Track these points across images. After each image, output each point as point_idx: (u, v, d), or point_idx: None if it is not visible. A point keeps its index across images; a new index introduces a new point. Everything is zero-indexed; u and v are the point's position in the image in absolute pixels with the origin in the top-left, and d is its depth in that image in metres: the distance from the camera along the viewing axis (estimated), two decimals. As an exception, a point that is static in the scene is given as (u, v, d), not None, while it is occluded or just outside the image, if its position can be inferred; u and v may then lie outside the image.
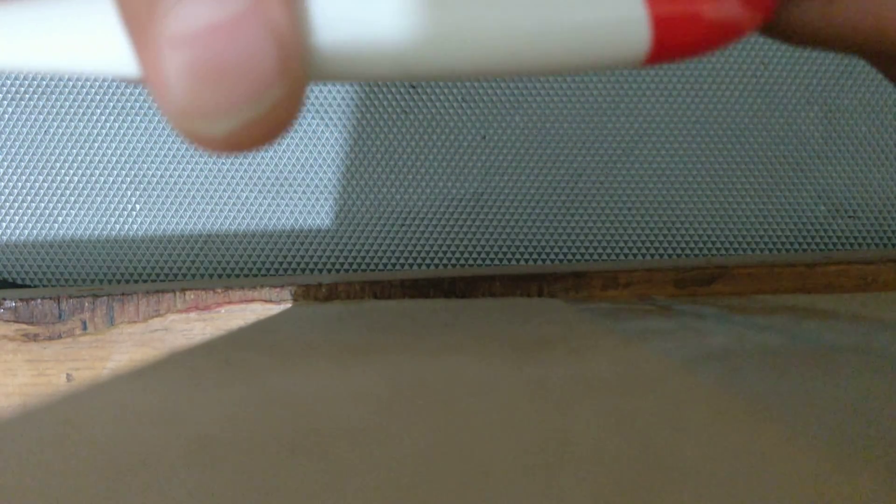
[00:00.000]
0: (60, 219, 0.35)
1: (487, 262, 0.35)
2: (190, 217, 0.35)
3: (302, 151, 0.35)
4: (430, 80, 0.35)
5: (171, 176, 0.35)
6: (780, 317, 0.22)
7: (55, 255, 0.35)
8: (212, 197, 0.35)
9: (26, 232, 0.35)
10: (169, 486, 0.07)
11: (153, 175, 0.35)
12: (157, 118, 0.35)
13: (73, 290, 0.29)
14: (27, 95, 0.34)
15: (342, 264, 0.35)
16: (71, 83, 0.34)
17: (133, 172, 0.35)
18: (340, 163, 0.35)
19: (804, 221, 0.35)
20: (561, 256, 0.35)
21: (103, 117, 0.34)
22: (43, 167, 0.34)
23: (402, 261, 0.35)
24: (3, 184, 0.34)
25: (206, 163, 0.35)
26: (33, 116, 0.34)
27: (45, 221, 0.35)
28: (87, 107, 0.34)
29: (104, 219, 0.35)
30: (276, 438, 0.09)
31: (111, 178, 0.35)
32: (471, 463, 0.08)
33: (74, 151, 0.34)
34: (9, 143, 0.34)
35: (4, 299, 0.27)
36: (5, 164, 0.34)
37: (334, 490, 0.07)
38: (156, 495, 0.07)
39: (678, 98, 0.35)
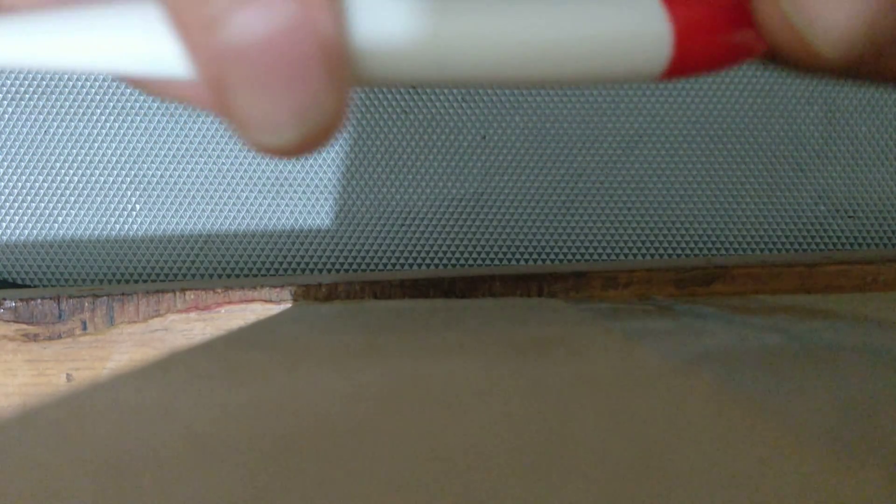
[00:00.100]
0: (60, 219, 0.35)
1: (487, 262, 0.35)
2: (190, 217, 0.35)
3: (302, 151, 0.35)
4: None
5: (171, 176, 0.35)
6: (780, 317, 0.22)
7: (55, 255, 0.35)
8: (212, 197, 0.35)
9: (26, 232, 0.35)
10: (169, 486, 0.07)
11: (153, 175, 0.35)
12: (157, 118, 0.34)
13: (73, 290, 0.29)
14: (27, 95, 0.34)
15: (342, 264, 0.35)
16: (71, 83, 0.34)
17: (133, 172, 0.35)
18: (340, 163, 0.35)
19: (804, 221, 0.35)
20: (561, 256, 0.35)
21: (103, 117, 0.34)
22: (43, 167, 0.34)
23: (402, 261, 0.35)
24: (3, 184, 0.34)
25: (206, 163, 0.35)
26: (33, 116, 0.34)
27: (45, 221, 0.35)
28: (87, 107, 0.34)
29: (104, 219, 0.35)
30: (276, 438, 0.09)
31: (111, 178, 0.35)
32: (470, 462, 0.08)
33: (74, 151, 0.34)
34: (9, 143, 0.34)
35: (4, 299, 0.27)
36: (5, 164, 0.34)
37: (334, 490, 0.07)
38: (156, 495, 0.07)
39: (678, 98, 0.35)
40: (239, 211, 0.35)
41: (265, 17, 0.12)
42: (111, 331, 0.27)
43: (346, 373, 0.13)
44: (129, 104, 0.34)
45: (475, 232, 0.35)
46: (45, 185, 0.34)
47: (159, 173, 0.35)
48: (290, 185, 0.35)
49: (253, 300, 0.28)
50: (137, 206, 0.35)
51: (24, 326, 0.27)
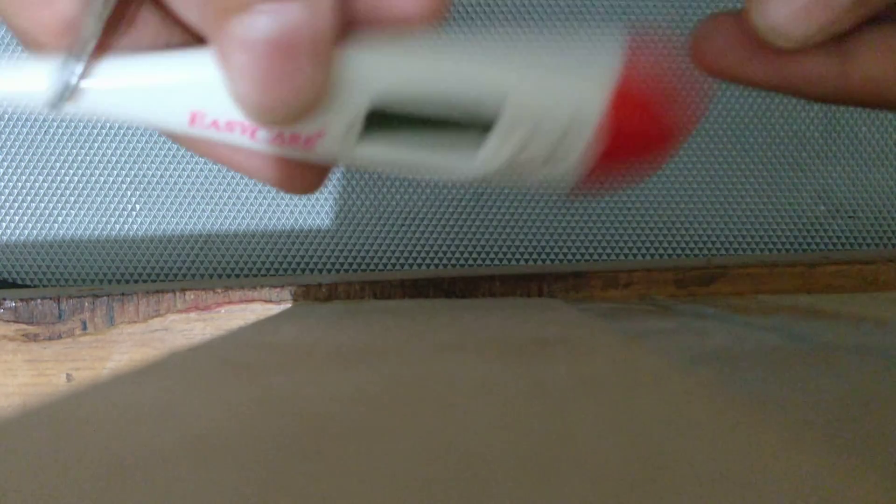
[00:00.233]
0: (60, 219, 0.35)
1: (487, 262, 0.35)
2: (190, 217, 0.35)
3: (302, 151, 0.35)
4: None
5: (171, 176, 0.35)
6: (780, 317, 0.22)
7: (55, 255, 0.35)
8: (212, 197, 0.35)
9: (26, 232, 0.35)
10: (169, 486, 0.07)
11: (153, 175, 0.35)
12: (157, 118, 0.35)
13: (73, 290, 0.29)
14: (27, 95, 0.34)
15: (342, 264, 0.35)
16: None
17: (133, 172, 0.35)
18: (340, 163, 0.35)
19: (804, 221, 0.35)
20: (561, 256, 0.35)
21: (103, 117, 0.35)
22: (43, 167, 0.34)
23: (402, 261, 0.35)
24: (3, 184, 0.35)
25: (206, 163, 0.35)
26: (33, 116, 0.34)
27: (45, 221, 0.35)
28: (87, 107, 0.35)
29: (104, 219, 0.35)
30: (276, 438, 0.09)
31: (111, 178, 0.35)
32: (470, 463, 0.08)
33: (74, 151, 0.34)
34: (9, 143, 0.34)
35: (4, 299, 0.27)
36: (5, 164, 0.34)
37: (334, 490, 0.07)
38: (156, 495, 0.07)
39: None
40: (239, 211, 0.35)
41: (278, 12, 0.15)
42: (111, 331, 0.27)
43: (346, 373, 0.13)
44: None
45: (475, 232, 0.35)
46: (45, 185, 0.35)
47: (159, 173, 0.35)
48: (290, 185, 0.35)
49: (253, 300, 0.28)
50: (137, 206, 0.35)
51: (24, 326, 0.27)
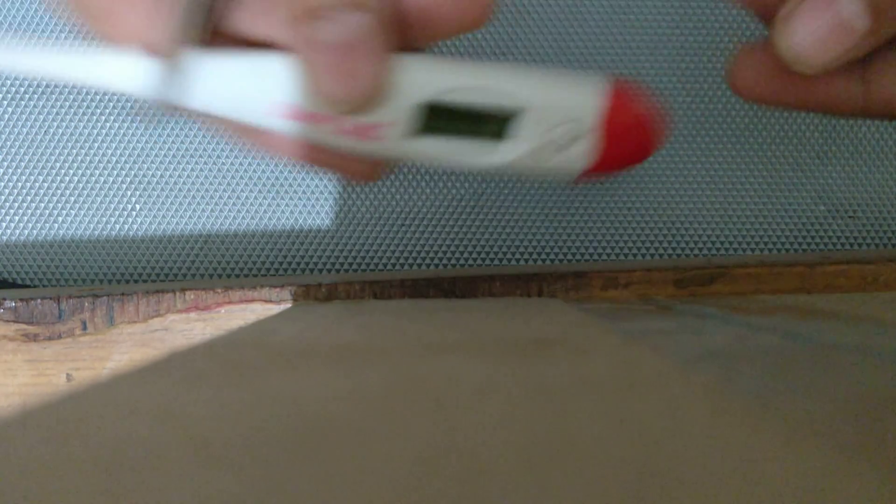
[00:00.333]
0: (60, 219, 0.35)
1: (487, 262, 0.35)
2: (190, 217, 0.35)
3: (302, 151, 0.35)
4: None
5: (171, 176, 0.35)
6: (780, 317, 0.22)
7: (55, 255, 0.35)
8: (212, 197, 0.35)
9: (26, 232, 0.35)
10: (169, 486, 0.07)
11: (153, 175, 0.35)
12: (157, 118, 0.35)
13: (73, 290, 0.29)
14: (27, 95, 0.34)
15: (342, 264, 0.35)
16: (71, 83, 0.34)
17: (133, 172, 0.35)
18: (340, 163, 0.35)
19: (804, 221, 0.35)
20: (561, 256, 0.35)
21: (103, 117, 0.34)
22: (43, 167, 0.34)
23: (402, 261, 0.35)
24: (3, 184, 0.35)
25: (206, 163, 0.35)
26: (33, 116, 0.34)
27: (45, 221, 0.35)
28: (87, 107, 0.34)
29: (104, 219, 0.35)
30: (276, 438, 0.09)
31: (111, 178, 0.35)
32: (470, 463, 0.08)
33: (74, 151, 0.34)
34: (9, 143, 0.34)
35: (4, 299, 0.27)
36: (5, 164, 0.34)
37: (333, 490, 0.07)
38: (156, 495, 0.07)
39: (678, 98, 0.35)
40: (239, 211, 0.35)
41: (340, 29, 0.19)
42: (111, 331, 0.27)
43: (346, 373, 0.13)
44: (129, 104, 0.35)
45: (475, 232, 0.35)
46: (45, 185, 0.35)
47: (159, 173, 0.35)
48: (290, 185, 0.35)
49: (253, 300, 0.28)
50: (137, 206, 0.35)
51: (24, 326, 0.27)
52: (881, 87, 0.22)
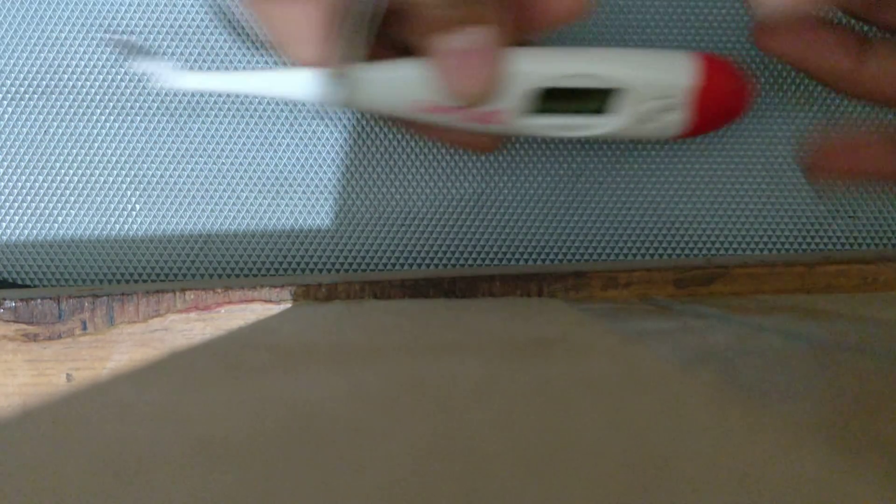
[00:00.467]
0: (60, 219, 0.35)
1: (487, 262, 0.35)
2: (190, 217, 0.35)
3: (302, 151, 0.35)
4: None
5: (171, 176, 0.35)
6: (780, 317, 0.22)
7: (55, 255, 0.35)
8: (212, 197, 0.35)
9: (26, 232, 0.35)
10: (169, 486, 0.07)
11: (153, 175, 0.35)
12: (157, 118, 0.35)
13: (73, 290, 0.29)
14: (27, 95, 0.34)
15: (342, 264, 0.35)
16: (71, 83, 0.34)
17: (133, 172, 0.35)
18: (340, 163, 0.35)
19: (804, 221, 0.35)
20: (561, 256, 0.35)
21: (103, 117, 0.34)
22: (43, 167, 0.34)
23: (402, 261, 0.35)
24: (3, 184, 0.35)
25: (206, 163, 0.35)
26: (33, 116, 0.34)
27: (45, 221, 0.35)
28: (87, 107, 0.34)
29: (104, 219, 0.35)
30: (276, 438, 0.09)
31: (111, 178, 0.35)
32: (470, 463, 0.08)
33: (74, 151, 0.34)
34: (9, 143, 0.34)
35: (4, 299, 0.27)
36: (5, 164, 0.34)
37: (333, 490, 0.07)
38: (156, 495, 0.07)
39: (678, 98, 0.35)
40: (239, 211, 0.35)
41: (462, 40, 0.24)
42: (111, 331, 0.27)
43: (346, 373, 0.13)
44: (129, 104, 0.35)
45: (475, 232, 0.35)
46: (45, 185, 0.35)
47: (159, 173, 0.35)
48: (290, 185, 0.35)
49: (253, 300, 0.28)
50: (137, 206, 0.35)
51: (24, 326, 0.27)
52: (870, 66, 0.26)
